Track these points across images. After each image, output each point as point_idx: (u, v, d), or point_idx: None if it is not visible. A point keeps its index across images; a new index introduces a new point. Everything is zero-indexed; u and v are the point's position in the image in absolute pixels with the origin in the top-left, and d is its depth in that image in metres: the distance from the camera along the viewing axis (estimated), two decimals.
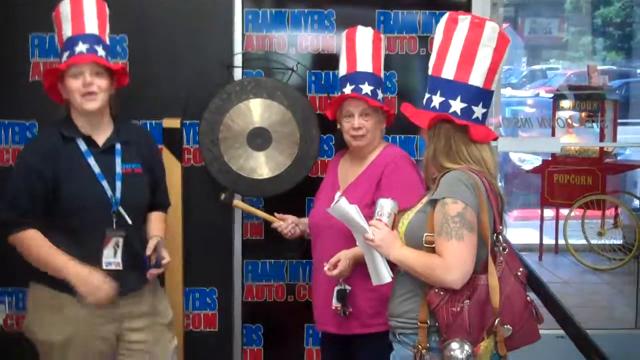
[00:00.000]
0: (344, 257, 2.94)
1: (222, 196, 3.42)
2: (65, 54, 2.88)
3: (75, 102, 2.86)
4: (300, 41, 3.91)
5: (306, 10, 3.90)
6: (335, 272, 2.94)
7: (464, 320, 2.35)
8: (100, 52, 2.89)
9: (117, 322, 2.93)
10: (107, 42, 3.00)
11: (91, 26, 2.92)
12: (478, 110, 2.51)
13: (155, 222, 3.12)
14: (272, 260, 3.99)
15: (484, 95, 2.52)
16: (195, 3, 3.82)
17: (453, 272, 2.34)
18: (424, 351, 2.40)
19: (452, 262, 2.34)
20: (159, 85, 3.78)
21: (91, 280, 2.76)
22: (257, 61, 3.90)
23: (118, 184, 2.89)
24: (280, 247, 3.82)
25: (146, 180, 3.04)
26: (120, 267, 2.84)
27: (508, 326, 2.40)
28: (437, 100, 2.51)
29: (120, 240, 2.86)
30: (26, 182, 2.82)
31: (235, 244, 3.94)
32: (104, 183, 2.86)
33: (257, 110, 3.58)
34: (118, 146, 2.96)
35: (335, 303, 3.01)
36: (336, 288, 3.00)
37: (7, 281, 3.78)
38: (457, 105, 2.49)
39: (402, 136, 3.87)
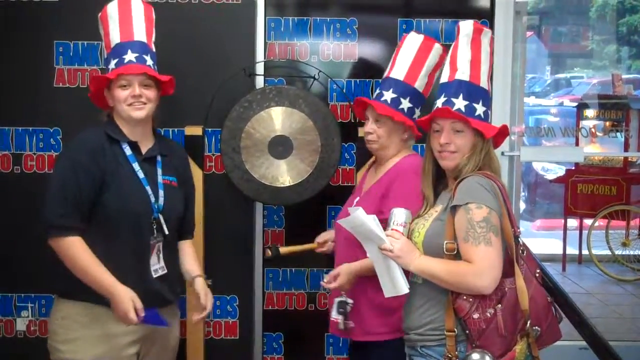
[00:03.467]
0: (344, 272, 2.93)
1: (268, 254, 3.40)
2: (114, 62, 2.83)
3: (122, 111, 2.81)
4: (322, 49, 3.91)
5: (328, 19, 3.90)
6: (332, 285, 2.94)
7: (499, 325, 2.34)
8: (149, 61, 2.87)
9: (139, 344, 2.85)
10: (154, 49, 2.97)
11: (139, 33, 2.90)
12: (490, 113, 2.63)
13: (189, 256, 3.07)
14: (293, 269, 3.99)
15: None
16: (218, 11, 3.83)
17: (484, 277, 2.33)
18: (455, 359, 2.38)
19: (483, 267, 2.33)
20: (181, 93, 3.77)
21: (128, 302, 2.67)
22: (279, 69, 3.91)
23: (161, 192, 2.86)
24: (300, 256, 3.82)
25: (181, 195, 3.00)
26: (166, 270, 2.85)
27: (536, 327, 2.39)
28: (480, 108, 2.53)
29: (161, 245, 2.85)
30: (73, 181, 2.71)
31: (256, 251, 3.94)
32: (148, 188, 2.82)
33: (278, 118, 3.59)
34: (159, 157, 2.92)
35: (334, 315, 2.98)
36: (337, 299, 2.98)
37: (30, 287, 3.81)
38: (480, 109, 2.54)
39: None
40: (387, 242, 2.47)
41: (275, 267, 3.98)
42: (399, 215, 2.54)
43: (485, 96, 2.54)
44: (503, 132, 2.57)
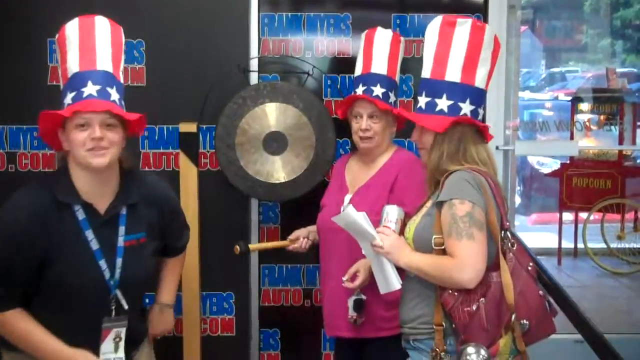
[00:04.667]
0: (363, 267, 2.91)
1: (238, 250, 3.28)
2: (70, 95, 2.31)
3: (78, 156, 2.31)
4: (316, 45, 3.91)
5: (322, 14, 3.90)
6: (356, 283, 2.91)
7: (482, 319, 2.35)
8: (114, 95, 2.34)
9: None
10: (122, 79, 2.44)
11: (103, 61, 2.36)
12: (481, 112, 2.57)
13: (168, 277, 2.77)
14: (289, 265, 3.99)
15: (484, 97, 2.60)
16: (212, 7, 3.83)
17: (467, 271, 2.34)
18: (442, 354, 2.39)
19: (466, 261, 2.34)
20: (175, 90, 3.80)
21: None
22: (273, 65, 3.91)
23: (118, 261, 2.39)
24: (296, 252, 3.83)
25: (150, 250, 2.53)
26: None
27: (524, 321, 2.39)
28: (443, 103, 2.50)
29: (123, 332, 2.41)
30: (4, 262, 2.30)
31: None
32: (102, 263, 2.37)
33: (272, 115, 3.59)
34: (123, 211, 2.44)
35: (351, 312, 2.99)
36: (353, 298, 2.98)
37: None
38: (466, 108, 2.51)
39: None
40: (378, 239, 2.49)
41: (271, 263, 3.98)
42: (391, 212, 2.58)
43: (451, 89, 2.50)
44: (467, 122, 2.51)
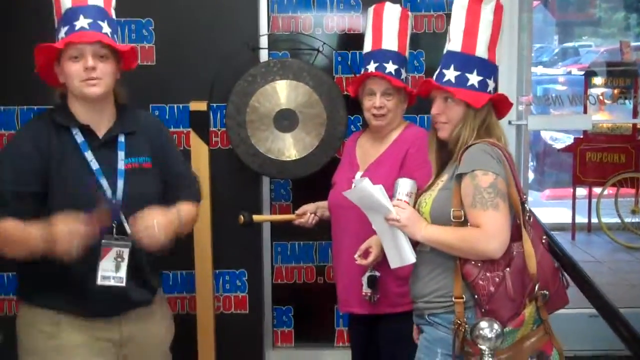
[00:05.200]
0: (375, 244, 2.89)
1: (242, 220, 3.27)
2: (64, 30, 2.40)
3: (73, 88, 2.41)
4: (326, 22, 3.89)
5: None
6: (369, 260, 2.90)
7: (508, 288, 2.34)
8: (106, 28, 2.42)
9: (117, 347, 2.55)
10: (113, 16, 2.52)
11: None
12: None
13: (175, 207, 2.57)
14: (301, 242, 4.00)
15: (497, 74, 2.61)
16: None
17: (494, 241, 2.33)
18: (466, 326, 2.38)
19: (492, 231, 2.33)
20: (185, 69, 3.79)
21: (58, 230, 2.25)
22: (283, 42, 3.89)
23: (120, 183, 2.44)
24: (308, 229, 3.82)
25: (156, 175, 2.57)
26: (122, 284, 2.41)
27: (544, 291, 2.40)
28: (474, 78, 2.51)
29: (125, 252, 2.42)
30: (9, 171, 2.38)
31: (264, 225, 3.95)
32: (103, 182, 2.42)
33: (283, 92, 3.57)
34: (121, 138, 2.50)
35: (365, 289, 3.00)
36: (367, 274, 2.97)
37: None
38: (491, 85, 2.54)
39: (425, 116, 3.83)
40: (394, 212, 2.47)
41: (284, 241, 3.99)
42: (404, 185, 2.55)
43: (481, 65, 2.52)
44: (501, 100, 2.55)
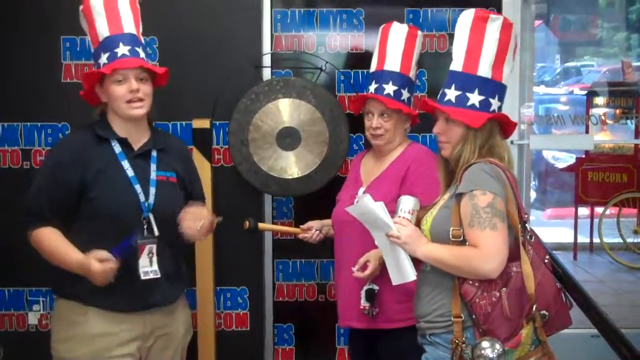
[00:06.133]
0: (373, 257, 2.92)
1: (247, 225, 3.27)
2: (105, 56, 2.70)
3: (118, 109, 2.71)
4: (329, 41, 3.91)
5: (335, 10, 3.90)
6: (366, 273, 2.92)
7: (504, 308, 2.35)
8: (142, 54, 2.75)
9: (138, 341, 2.76)
10: (143, 40, 2.85)
11: (128, 24, 2.76)
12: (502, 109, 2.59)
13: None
14: (303, 260, 4.00)
15: (505, 94, 2.60)
16: (224, 4, 3.84)
17: (491, 261, 2.34)
18: (463, 345, 2.38)
19: (489, 251, 2.34)
20: (188, 86, 3.80)
21: (94, 267, 2.56)
22: (286, 61, 3.91)
23: (152, 190, 2.73)
24: (310, 247, 3.82)
25: (181, 190, 2.87)
26: (158, 275, 2.69)
27: (544, 312, 2.40)
28: (475, 98, 2.51)
29: (154, 248, 2.70)
30: (50, 181, 2.67)
31: (266, 243, 3.95)
32: (137, 187, 2.70)
33: (286, 110, 3.59)
34: (154, 152, 2.80)
35: (364, 302, 3.00)
36: (365, 288, 2.99)
37: (41, 282, 3.82)
38: (495, 104, 2.53)
39: (427, 135, 3.84)
40: (394, 229, 2.48)
41: (285, 258, 3.98)
42: (406, 202, 2.56)
43: (483, 84, 2.51)
44: (503, 119, 2.55)
